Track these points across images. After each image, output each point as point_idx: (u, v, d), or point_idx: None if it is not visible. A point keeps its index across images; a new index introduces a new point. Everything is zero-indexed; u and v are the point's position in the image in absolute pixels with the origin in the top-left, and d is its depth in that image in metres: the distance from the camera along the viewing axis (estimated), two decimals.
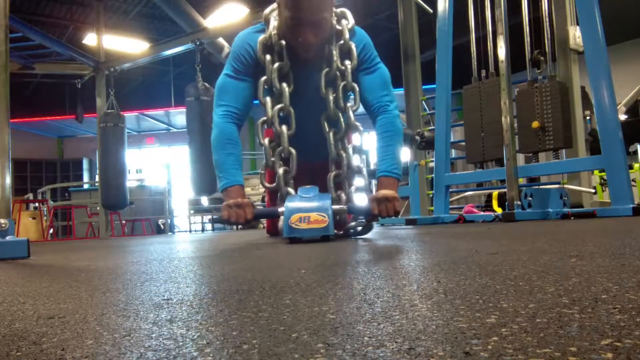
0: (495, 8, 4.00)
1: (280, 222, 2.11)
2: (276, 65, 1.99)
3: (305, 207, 1.83)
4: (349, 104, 2.09)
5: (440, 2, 4.75)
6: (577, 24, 4.74)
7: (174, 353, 0.38)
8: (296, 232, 1.79)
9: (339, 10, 2.06)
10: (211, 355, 0.37)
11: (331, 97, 2.03)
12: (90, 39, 9.88)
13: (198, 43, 5.59)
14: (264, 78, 2.02)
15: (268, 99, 2.06)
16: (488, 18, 4.70)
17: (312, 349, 0.37)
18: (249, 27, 2.13)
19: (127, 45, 9.63)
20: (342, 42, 2.02)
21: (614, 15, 6.12)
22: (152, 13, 10.93)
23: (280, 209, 1.92)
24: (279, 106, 2.04)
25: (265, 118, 2.08)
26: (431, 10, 6.44)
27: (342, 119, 2.07)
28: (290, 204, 1.87)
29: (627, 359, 0.31)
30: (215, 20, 8.65)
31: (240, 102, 2.02)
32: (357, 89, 2.05)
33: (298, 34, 1.88)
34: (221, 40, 7.20)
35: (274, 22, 1.99)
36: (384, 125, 2.00)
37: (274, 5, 2.03)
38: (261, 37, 2.00)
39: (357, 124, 2.13)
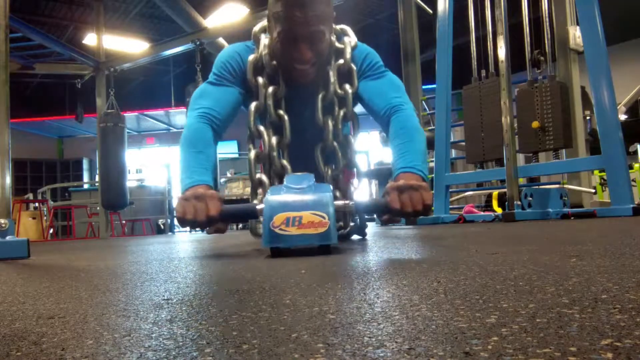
0: (495, 8, 4.00)
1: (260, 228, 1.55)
2: (270, 89, 1.67)
3: (295, 202, 1.28)
4: (346, 134, 1.79)
5: (440, 2, 4.75)
6: (577, 24, 4.75)
7: (174, 353, 0.38)
8: (282, 239, 1.23)
9: (338, 27, 1.77)
10: (211, 355, 0.37)
11: (330, 127, 1.72)
12: (90, 39, 9.88)
13: (198, 43, 5.60)
14: (254, 104, 1.68)
15: (262, 128, 1.70)
16: (488, 18, 4.70)
17: (312, 349, 0.37)
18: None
19: (127, 45, 9.63)
20: (341, 61, 1.70)
21: (614, 15, 6.12)
22: (152, 13, 10.92)
23: (259, 206, 1.36)
24: (275, 138, 1.70)
25: (256, 152, 1.71)
26: (431, 11, 6.44)
27: (339, 153, 1.75)
28: (272, 198, 1.30)
29: (627, 359, 0.31)
30: (215, 20, 8.65)
31: (221, 107, 1.64)
32: (357, 119, 1.76)
33: (292, 50, 1.57)
34: (221, 40, 7.19)
35: (265, 41, 1.69)
36: (400, 122, 1.61)
37: (264, 22, 1.73)
38: (251, 56, 1.69)
39: (358, 163, 1.80)
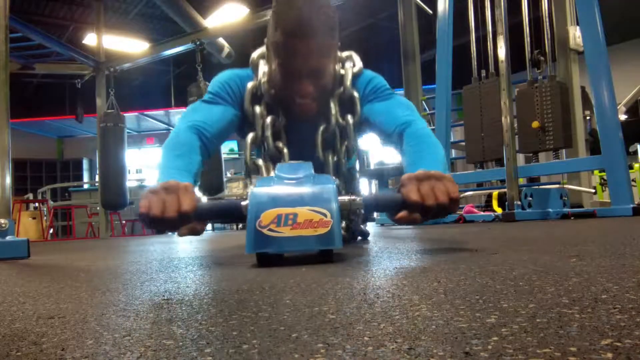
0: (495, 8, 4.00)
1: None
2: (269, 120, 1.54)
3: (288, 195, 1.04)
4: (349, 167, 1.63)
5: (440, 2, 4.76)
6: (577, 24, 4.74)
7: (174, 353, 0.38)
8: (271, 243, 0.99)
9: (344, 54, 1.62)
10: (211, 355, 0.37)
11: (331, 162, 1.59)
12: (90, 39, 9.87)
13: (198, 43, 5.60)
14: (251, 135, 1.55)
15: (261, 162, 1.55)
16: (488, 18, 4.71)
17: (312, 349, 0.37)
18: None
19: (127, 45, 9.63)
20: (341, 89, 1.55)
21: (614, 15, 6.12)
22: (152, 13, 10.93)
23: (244, 202, 1.08)
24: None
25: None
26: (431, 11, 6.44)
27: (342, 190, 1.59)
28: (260, 190, 1.06)
29: (627, 359, 0.31)
30: (215, 20, 8.64)
31: (213, 122, 1.47)
32: (358, 145, 1.62)
33: (292, 84, 1.42)
34: (221, 40, 7.21)
35: (263, 68, 1.55)
36: (414, 134, 1.40)
37: (262, 48, 1.58)
38: (250, 83, 1.55)
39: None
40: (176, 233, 1.07)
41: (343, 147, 1.60)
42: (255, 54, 1.62)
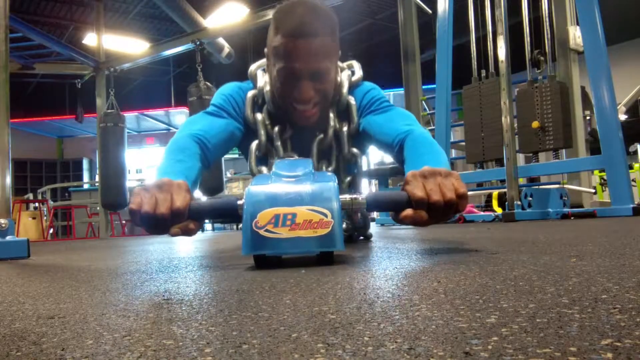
0: (495, 8, 4.00)
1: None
2: (277, 129, 1.53)
3: (287, 194, 0.99)
4: (347, 179, 1.62)
5: (440, 2, 4.76)
6: (577, 24, 4.75)
7: (174, 353, 0.38)
8: (268, 244, 0.95)
9: (346, 63, 1.63)
10: (211, 355, 0.37)
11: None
12: (90, 39, 9.88)
13: (198, 43, 5.60)
14: (255, 143, 1.54)
15: (264, 169, 1.55)
16: (488, 18, 4.71)
17: (312, 349, 0.37)
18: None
19: (127, 45, 9.63)
20: (337, 97, 1.53)
21: (614, 15, 6.12)
22: (152, 13, 10.93)
23: (240, 201, 1.04)
24: None
25: None
26: (430, 11, 6.44)
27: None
28: (256, 189, 1.01)
29: (627, 359, 0.31)
30: (215, 20, 8.65)
31: (214, 133, 1.43)
32: (358, 154, 1.59)
33: (292, 89, 1.40)
34: (221, 40, 7.21)
35: (263, 77, 1.56)
36: (415, 140, 1.34)
37: (261, 61, 1.60)
38: (250, 92, 1.56)
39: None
40: (168, 233, 1.01)
41: (340, 156, 1.58)
42: (253, 66, 1.61)
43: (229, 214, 1.11)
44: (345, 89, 1.53)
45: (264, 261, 1.02)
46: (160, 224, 0.99)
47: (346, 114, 1.55)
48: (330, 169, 1.56)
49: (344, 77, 1.55)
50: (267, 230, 0.95)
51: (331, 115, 1.54)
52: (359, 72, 1.59)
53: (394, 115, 1.50)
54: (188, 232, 1.04)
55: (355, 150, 1.58)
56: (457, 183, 1.01)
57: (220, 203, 1.11)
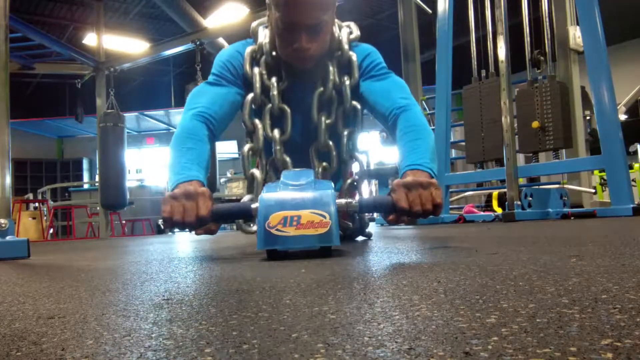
0: (495, 8, 4.00)
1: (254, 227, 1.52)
2: (274, 79, 1.61)
3: (293, 200, 1.20)
4: (345, 132, 1.69)
5: (440, 2, 4.76)
6: (577, 24, 4.75)
7: (174, 353, 0.38)
8: (279, 241, 1.16)
9: (344, 23, 1.72)
10: (211, 355, 0.37)
11: (323, 125, 1.65)
12: (90, 39, 9.89)
13: (198, 43, 5.60)
14: (250, 95, 1.62)
15: (257, 121, 1.63)
16: (488, 18, 4.71)
17: (312, 349, 0.37)
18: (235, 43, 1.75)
19: (127, 45, 9.64)
20: (339, 53, 1.63)
21: (614, 15, 6.12)
22: (152, 13, 10.93)
23: (254, 205, 1.27)
24: (277, 131, 1.63)
25: (251, 146, 1.65)
26: (430, 11, 6.44)
27: (334, 153, 1.68)
28: (268, 196, 1.23)
29: (627, 359, 0.31)
30: (215, 20, 8.65)
31: (218, 106, 1.55)
32: (358, 108, 1.67)
33: (292, 39, 1.49)
34: (221, 40, 7.20)
35: (263, 32, 1.65)
36: (407, 121, 1.48)
37: (262, 18, 1.70)
38: (249, 48, 1.64)
39: (360, 156, 1.74)
40: (193, 232, 1.33)
41: (340, 110, 1.67)
42: (254, 23, 1.71)
43: (244, 217, 1.39)
44: (346, 45, 1.64)
45: (275, 254, 1.22)
46: (188, 227, 1.24)
47: (347, 69, 1.64)
48: (328, 121, 1.66)
49: (343, 34, 1.65)
50: (277, 230, 1.16)
51: (331, 69, 1.63)
52: (356, 32, 1.70)
53: (391, 85, 1.63)
54: (210, 232, 1.41)
55: (356, 103, 1.67)
56: (435, 193, 1.22)
57: (237, 207, 1.36)
